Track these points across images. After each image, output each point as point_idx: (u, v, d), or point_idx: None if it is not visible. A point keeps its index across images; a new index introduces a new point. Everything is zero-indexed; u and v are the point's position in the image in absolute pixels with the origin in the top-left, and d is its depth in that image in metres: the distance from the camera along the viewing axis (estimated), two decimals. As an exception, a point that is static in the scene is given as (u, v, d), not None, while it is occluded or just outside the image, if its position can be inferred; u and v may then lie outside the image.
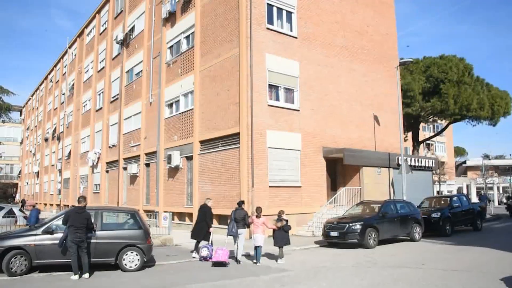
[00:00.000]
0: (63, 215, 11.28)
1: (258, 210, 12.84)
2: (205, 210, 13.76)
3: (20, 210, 19.72)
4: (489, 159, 77.52)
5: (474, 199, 48.29)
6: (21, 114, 74.29)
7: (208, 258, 12.62)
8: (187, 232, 20.99)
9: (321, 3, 22.95)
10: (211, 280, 10.15)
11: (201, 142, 21.82)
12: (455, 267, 11.23)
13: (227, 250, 12.30)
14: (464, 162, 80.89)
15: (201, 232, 13.59)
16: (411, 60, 24.73)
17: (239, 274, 10.85)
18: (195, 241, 13.88)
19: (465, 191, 59.90)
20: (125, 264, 11.22)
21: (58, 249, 10.65)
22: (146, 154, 27.40)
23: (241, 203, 13.41)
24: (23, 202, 55.82)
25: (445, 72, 34.31)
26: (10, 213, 18.46)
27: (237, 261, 12.56)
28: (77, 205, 10.71)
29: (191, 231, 14.26)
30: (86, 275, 10.35)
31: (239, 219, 12.82)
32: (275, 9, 20.83)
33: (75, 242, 10.21)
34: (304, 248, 15.85)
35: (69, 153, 42.92)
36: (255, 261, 12.49)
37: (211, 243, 13.30)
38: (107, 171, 33.64)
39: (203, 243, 13.53)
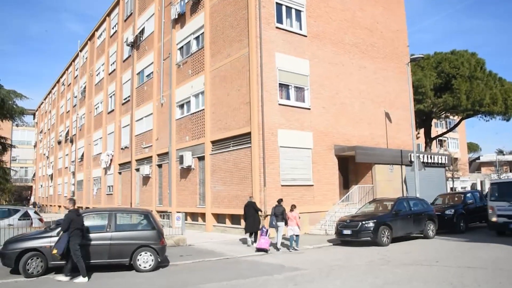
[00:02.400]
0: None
1: (293, 206, 15.24)
2: (252, 205, 16.02)
3: (35, 212, 19.92)
4: (503, 155, 76.57)
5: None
6: (34, 118, 75.07)
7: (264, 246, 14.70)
8: (200, 232, 21.18)
9: (330, 1, 22.88)
10: (225, 279, 10.19)
11: (213, 142, 21.88)
12: (470, 265, 11.14)
13: (268, 239, 14.77)
14: (478, 158, 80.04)
15: (254, 225, 15.91)
16: (422, 56, 24.54)
17: (253, 274, 10.87)
18: (206, 241, 15.43)
19: (479, 187, 59.26)
20: (140, 265, 11.30)
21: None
22: (158, 155, 27.55)
23: (280, 200, 15.67)
24: (34, 204, 56.60)
25: (456, 68, 33.96)
26: (26, 216, 18.65)
27: (277, 249, 14.87)
28: (73, 208, 10.57)
29: (244, 227, 16.49)
30: (85, 278, 10.20)
31: (278, 214, 15.13)
32: (284, 8, 20.81)
33: (82, 243, 10.35)
34: (317, 246, 15.83)
35: (82, 155, 43.33)
36: (296, 248, 14.86)
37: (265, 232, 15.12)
38: (120, 173, 33.89)
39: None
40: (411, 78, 25.95)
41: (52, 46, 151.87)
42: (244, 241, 16.64)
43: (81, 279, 10.10)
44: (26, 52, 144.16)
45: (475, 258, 12.21)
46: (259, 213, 16.39)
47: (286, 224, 15.06)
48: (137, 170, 30.34)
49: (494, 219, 16.86)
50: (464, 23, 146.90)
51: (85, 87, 44.25)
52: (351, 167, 23.25)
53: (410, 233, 17.03)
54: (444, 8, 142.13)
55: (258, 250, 14.61)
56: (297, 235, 14.88)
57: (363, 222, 15.53)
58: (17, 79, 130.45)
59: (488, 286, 8.78)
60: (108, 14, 39.24)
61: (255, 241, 15.83)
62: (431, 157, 25.29)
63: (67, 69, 53.85)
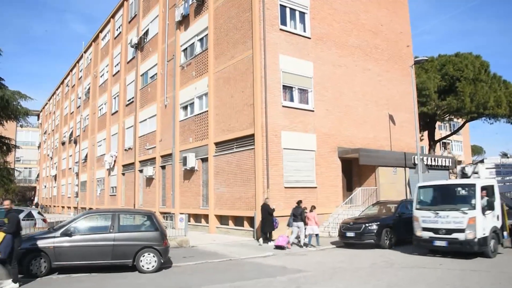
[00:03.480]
0: (78, 217, 11.48)
1: (312, 207, 16.58)
2: (265, 207, 16.94)
3: (39, 213, 20.01)
4: (508, 157, 76.19)
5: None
6: (38, 119, 75.33)
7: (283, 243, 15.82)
8: (203, 233, 21.19)
9: (334, 3, 22.89)
10: (228, 281, 10.19)
11: (216, 144, 21.90)
12: (474, 267, 11.11)
13: (286, 237, 16.00)
14: (482, 161, 79.75)
15: (264, 226, 16.95)
16: (426, 58, 24.48)
17: (256, 275, 10.87)
18: (209, 243, 15.91)
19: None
20: (142, 266, 11.33)
21: (76, 251, 10.82)
22: (162, 156, 27.60)
23: (299, 202, 16.77)
24: (36, 205, 56.80)
25: (460, 70, 33.90)
26: (29, 216, 18.75)
27: (300, 246, 16.22)
28: (11, 207, 10.17)
29: (260, 228, 17.43)
30: (17, 285, 9.56)
31: (297, 214, 16.32)
32: (288, 10, 20.83)
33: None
34: (320, 249, 15.82)
35: (86, 156, 43.43)
36: (317, 245, 16.06)
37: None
38: (123, 174, 33.95)
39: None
40: (415, 80, 25.88)
41: (57, 47, 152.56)
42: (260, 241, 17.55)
43: (12, 285, 9.50)
44: (30, 53, 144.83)
45: (479, 261, 12.16)
46: (273, 214, 17.10)
47: (305, 224, 16.22)
48: (141, 171, 30.39)
49: (418, 233, 13.77)
50: (468, 25, 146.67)
51: (89, 88, 44.38)
52: (355, 170, 23.22)
53: (414, 235, 17.02)
54: (448, 9, 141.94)
55: (277, 247, 15.74)
56: (317, 234, 16.19)
57: (367, 225, 15.52)
58: (21, 79, 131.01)
59: (492, 289, 8.76)
60: (113, 16, 39.37)
61: (266, 240, 16.90)
62: (435, 160, 25.23)
63: (71, 70, 54.04)
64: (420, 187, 14.78)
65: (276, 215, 18.14)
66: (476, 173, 16.37)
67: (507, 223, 14.14)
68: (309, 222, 16.13)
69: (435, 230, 13.15)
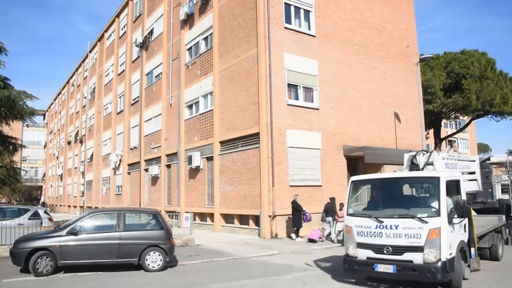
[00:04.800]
0: (84, 216, 11.53)
1: (341, 205, 16.79)
2: (293, 204, 17.72)
3: (45, 212, 20.07)
4: (514, 155, 75.72)
5: (499, 196, 47.29)
6: (44, 118, 75.65)
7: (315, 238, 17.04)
8: (209, 232, 21.22)
9: (339, 1, 22.80)
10: (234, 279, 10.19)
11: (221, 142, 21.90)
12: (481, 266, 11.02)
13: (318, 232, 17.31)
14: (488, 159, 79.29)
15: (293, 221, 17.77)
16: (431, 56, 24.38)
17: (262, 274, 10.86)
18: (214, 241, 16.74)
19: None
20: (148, 264, 11.35)
21: (82, 250, 10.86)
22: (167, 155, 27.64)
23: (332, 198, 18.13)
24: (43, 204, 57.06)
25: (466, 67, 33.70)
26: (36, 215, 18.81)
27: (332, 241, 17.10)
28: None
29: (292, 224, 18.11)
30: None
31: (329, 210, 17.62)
32: (292, 8, 20.77)
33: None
34: (326, 247, 15.80)
35: (92, 155, 43.59)
36: None
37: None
38: (129, 173, 34.04)
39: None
40: (421, 78, 25.77)
41: (63, 47, 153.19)
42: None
43: None
44: (36, 53, 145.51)
45: (485, 260, 12.07)
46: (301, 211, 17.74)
47: (334, 220, 17.33)
48: (146, 170, 30.46)
49: (351, 251, 9.25)
50: (475, 22, 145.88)
51: (94, 88, 44.52)
52: (360, 168, 23.13)
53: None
54: (455, 6, 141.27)
55: (309, 240, 17.01)
56: None
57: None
58: (27, 79, 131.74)
59: None
60: (117, 15, 39.44)
61: (297, 235, 17.79)
62: (440, 158, 25.04)
63: (76, 70, 54.23)
64: (354, 182, 10.27)
65: (280, 213, 18.23)
66: (431, 164, 10.78)
67: (475, 236, 9.90)
68: (340, 218, 16.61)
69: (377, 248, 8.75)
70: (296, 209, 17.58)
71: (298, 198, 17.88)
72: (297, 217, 17.60)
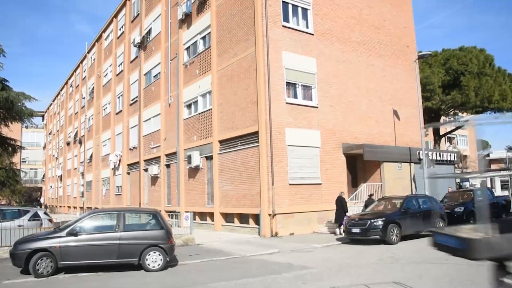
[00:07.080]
0: (83, 217, 11.53)
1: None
2: (339, 200, 18.32)
3: (45, 213, 20.06)
4: (513, 151, 75.73)
5: (499, 192, 47.39)
6: (43, 119, 75.61)
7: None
8: (209, 231, 21.23)
9: (337, -1, 22.80)
10: (234, 278, 10.18)
11: (220, 141, 21.90)
12: (482, 263, 11.02)
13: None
14: (488, 155, 79.35)
15: (337, 217, 18.22)
16: (430, 53, 24.39)
17: (262, 272, 10.86)
18: (215, 241, 16.83)
19: (489, 185, 58.74)
20: (148, 264, 11.34)
21: (82, 251, 10.85)
22: (166, 155, 27.63)
23: (371, 195, 19.70)
24: (41, 205, 57.03)
25: (465, 64, 33.74)
26: (36, 216, 18.80)
27: None
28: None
29: (335, 219, 18.61)
30: None
31: (368, 205, 18.33)
32: (290, 7, 20.76)
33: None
34: (326, 245, 15.79)
35: (91, 156, 43.58)
36: None
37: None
38: (128, 173, 34.04)
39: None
40: (419, 75, 25.79)
41: (61, 48, 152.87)
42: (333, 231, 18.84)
43: None
44: (35, 54, 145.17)
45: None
46: (345, 210, 18.24)
47: None
48: (146, 170, 30.46)
49: None
50: (474, 19, 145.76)
51: (93, 88, 44.50)
52: (360, 165, 23.17)
53: (420, 231, 16.88)
54: (453, 3, 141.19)
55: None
56: None
57: (372, 220, 15.47)
58: (26, 80, 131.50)
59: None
60: (115, 15, 39.40)
61: (339, 230, 18.18)
62: (440, 155, 25.12)
63: (75, 70, 54.17)
64: None
65: (281, 212, 18.26)
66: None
67: None
68: None
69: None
70: (343, 207, 18.13)
71: (344, 195, 18.69)
72: (340, 214, 18.06)
